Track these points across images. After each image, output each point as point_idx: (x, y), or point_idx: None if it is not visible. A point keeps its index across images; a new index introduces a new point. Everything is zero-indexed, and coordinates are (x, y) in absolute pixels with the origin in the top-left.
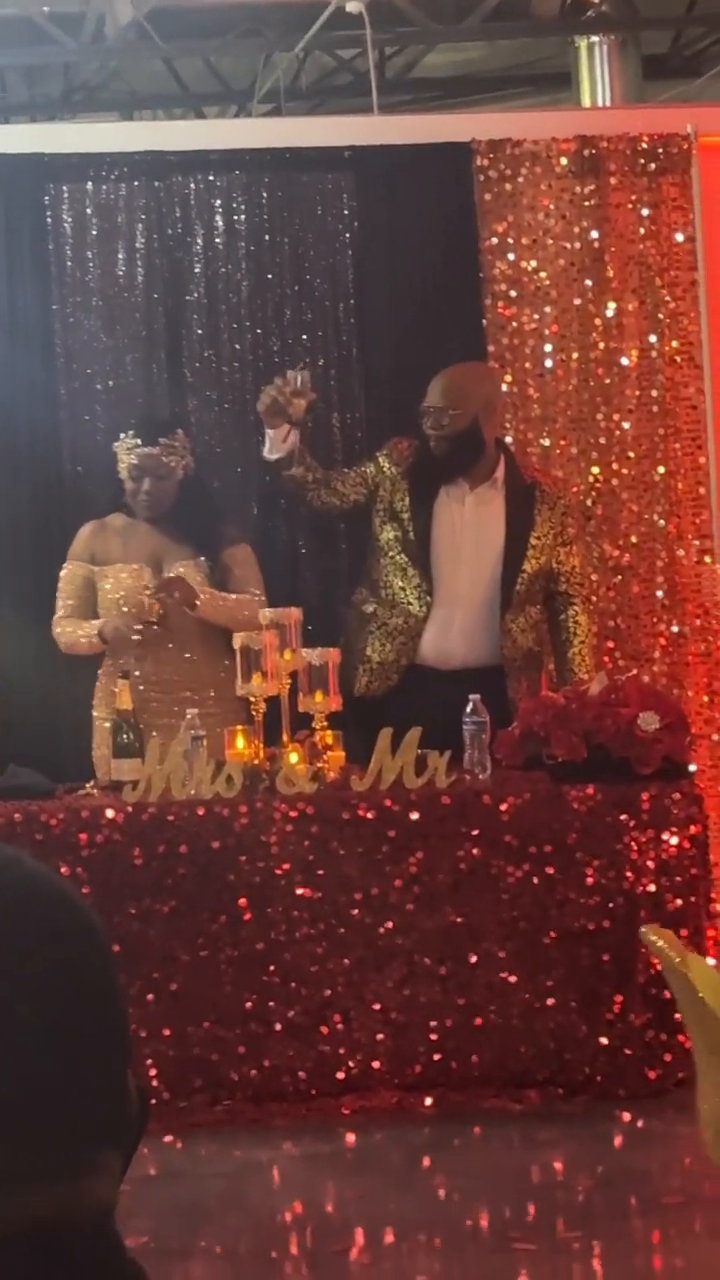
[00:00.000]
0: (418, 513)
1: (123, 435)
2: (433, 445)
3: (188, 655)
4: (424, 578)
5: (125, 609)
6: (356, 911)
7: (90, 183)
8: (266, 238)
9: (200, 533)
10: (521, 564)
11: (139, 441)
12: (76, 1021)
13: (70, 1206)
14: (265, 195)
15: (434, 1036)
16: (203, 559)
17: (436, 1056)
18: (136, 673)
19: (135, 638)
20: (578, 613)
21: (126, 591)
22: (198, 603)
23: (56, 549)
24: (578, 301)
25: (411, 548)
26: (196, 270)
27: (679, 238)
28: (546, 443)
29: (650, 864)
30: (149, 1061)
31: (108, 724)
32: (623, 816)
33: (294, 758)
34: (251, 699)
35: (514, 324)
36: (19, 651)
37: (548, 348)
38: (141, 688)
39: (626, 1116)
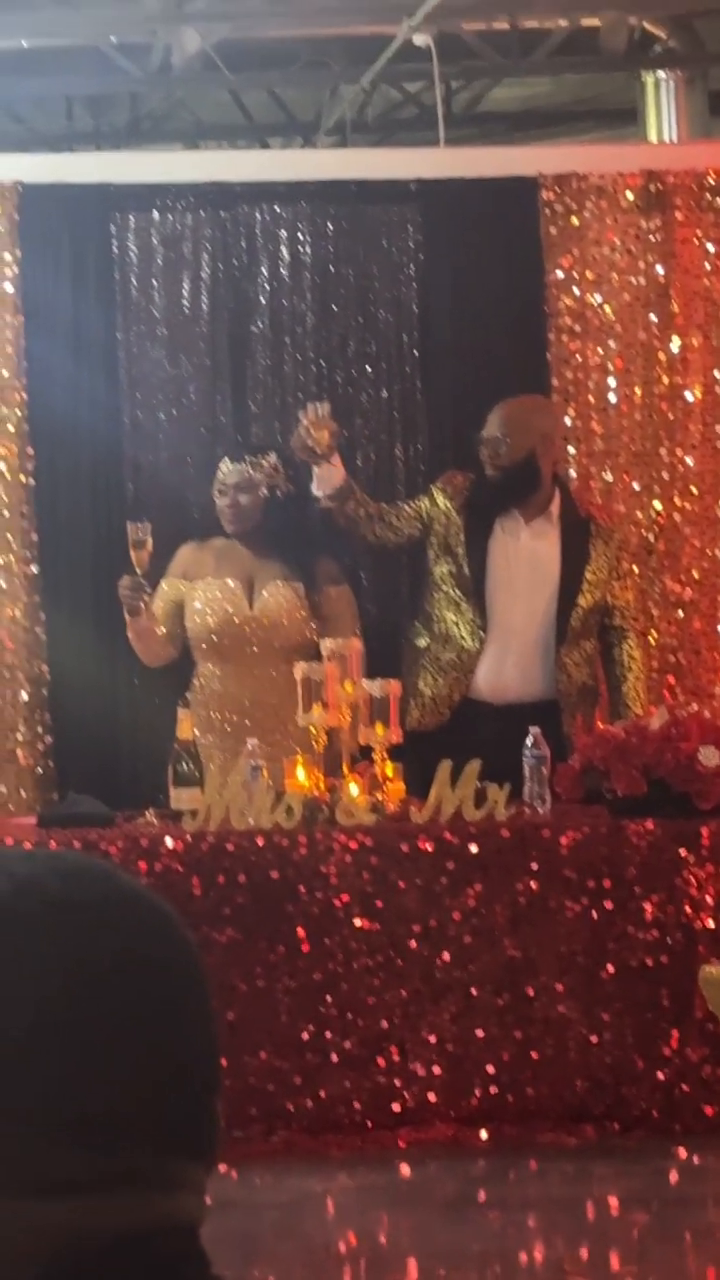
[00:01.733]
0: (472, 547)
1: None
2: (488, 474)
3: (272, 675)
4: (477, 612)
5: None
6: (414, 943)
7: (156, 212)
8: (332, 269)
9: (297, 559)
10: (576, 598)
11: (229, 459)
12: (167, 1035)
13: (153, 1219)
14: (331, 227)
15: (490, 1069)
16: (299, 584)
17: (492, 1090)
18: (214, 701)
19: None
20: (632, 647)
21: (214, 604)
22: None
23: (116, 577)
24: (642, 336)
25: (465, 582)
26: (261, 301)
27: None
28: (609, 477)
29: (709, 899)
30: None
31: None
32: (682, 852)
33: (354, 789)
34: (312, 730)
35: (578, 358)
36: (79, 677)
37: (612, 382)
38: (234, 707)
39: (683, 1152)
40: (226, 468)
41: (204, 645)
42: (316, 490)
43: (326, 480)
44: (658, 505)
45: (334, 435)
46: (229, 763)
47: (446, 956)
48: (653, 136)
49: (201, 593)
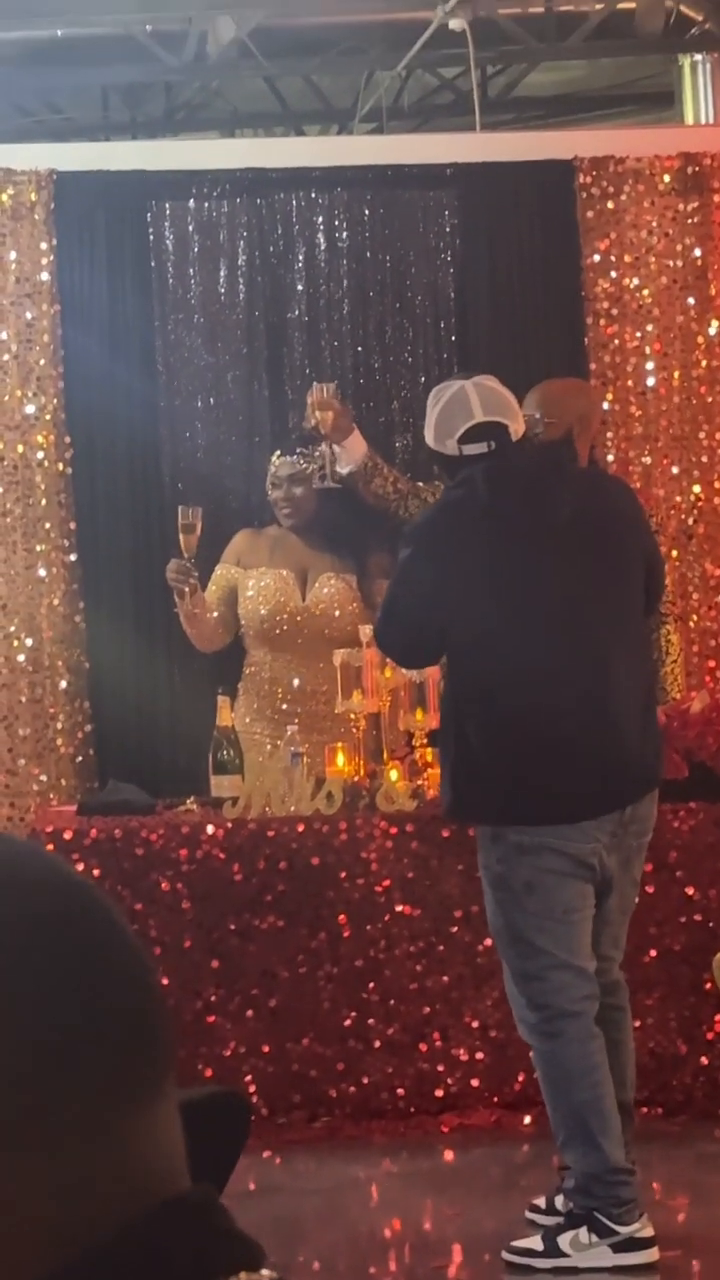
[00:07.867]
0: None
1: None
2: None
3: (322, 665)
4: None
5: (264, 611)
6: (456, 929)
7: (192, 200)
8: (368, 255)
9: (351, 550)
10: None
11: (280, 452)
12: (74, 986)
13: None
14: (367, 212)
15: (533, 1054)
16: (352, 576)
17: (535, 1074)
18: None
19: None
20: (669, 632)
21: (266, 593)
22: None
23: (155, 565)
24: (680, 319)
25: None
26: (298, 288)
27: None
28: (648, 461)
29: None
30: (248, 1077)
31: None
32: None
33: (394, 775)
34: (351, 716)
35: (616, 342)
36: (119, 665)
37: (649, 366)
38: (285, 696)
39: None
40: (278, 460)
41: (256, 633)
42: (340, 468)
43: (345, 457)
44: (697, 489)
45: (340, 415)
46: (280, 750)
47: (488, 941)
48: (690, 119)
49: (255, 581)
